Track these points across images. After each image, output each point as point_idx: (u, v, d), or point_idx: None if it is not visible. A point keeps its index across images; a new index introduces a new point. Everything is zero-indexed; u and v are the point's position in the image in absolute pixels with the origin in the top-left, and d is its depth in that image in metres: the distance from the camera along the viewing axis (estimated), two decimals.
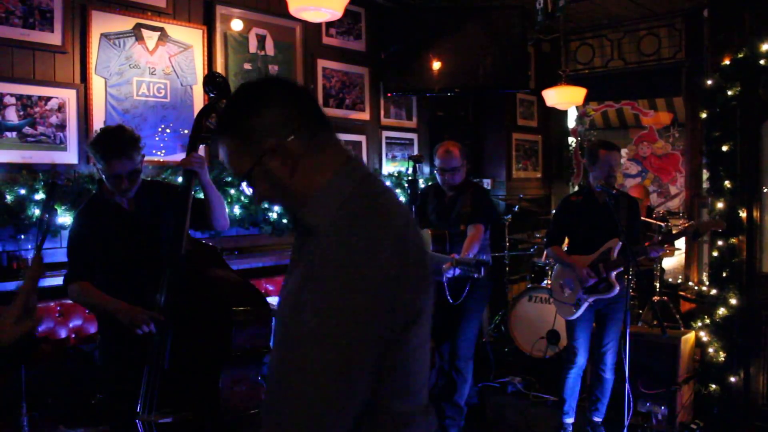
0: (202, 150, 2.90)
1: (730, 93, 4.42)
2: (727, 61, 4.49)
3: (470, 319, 4.09)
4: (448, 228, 4.17)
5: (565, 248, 4.26)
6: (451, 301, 3.88)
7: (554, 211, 4.45)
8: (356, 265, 1.14)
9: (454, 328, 4.09)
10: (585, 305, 3.99)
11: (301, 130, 1.29)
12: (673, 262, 6.50)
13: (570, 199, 4.32)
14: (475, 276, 3.68)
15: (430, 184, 4.81)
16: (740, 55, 4.41)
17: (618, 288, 3.86)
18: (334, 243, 1.18)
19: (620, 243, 3.86)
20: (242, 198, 4.59)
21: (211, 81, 2.80)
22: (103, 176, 2.76)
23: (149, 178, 2.92)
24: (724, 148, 4.46)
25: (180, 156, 4.36)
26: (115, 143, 2.71)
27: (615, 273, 3.88)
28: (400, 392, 1.24)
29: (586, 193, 4.16)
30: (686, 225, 3.96)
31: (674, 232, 4.31)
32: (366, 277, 1.14)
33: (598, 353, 4.09)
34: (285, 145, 1.28)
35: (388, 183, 5.73)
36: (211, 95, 2.81)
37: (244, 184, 1.36)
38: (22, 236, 3.69)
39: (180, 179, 3.75)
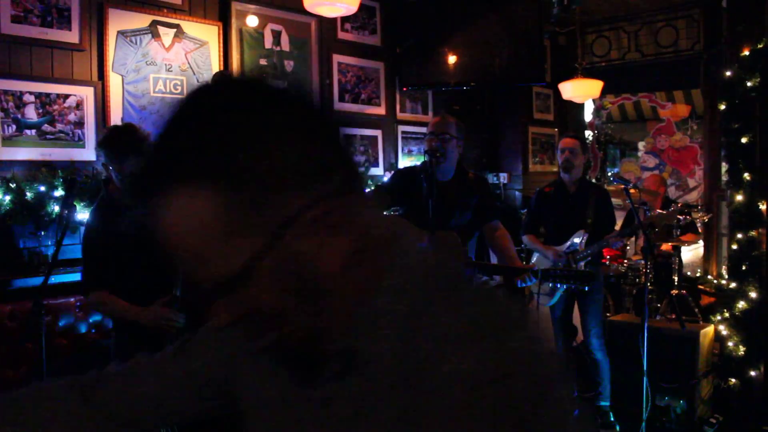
0: None
1: (749, 84, 4.37)
2: (746, 52, 4.44)
3: None
4: (449, 226, 3.44)
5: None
6: None
7: (531, 201, 4.59)
8: None
9: None
10: (559, 293, 4.13)
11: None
12: (691, 256, 6.45)
13: (543, 190, 4.47)
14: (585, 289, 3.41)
15: (406, 168, 4.09)
16: (760, 46, 4.36)
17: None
18: None
19: (586, 234, 4.06)
20: None
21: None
22: (114, 176, 2.75)
23: None
24: (743, 140, 4.41)
25: None
26: (129, 142, 2.71)
27: (583, 263, 4.01)
28: None
29: (558, 184, 4.36)
30: (644, 219, 4.02)
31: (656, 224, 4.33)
32: None
33: (584, 337, 4.24)
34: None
35: None
36: None
37: None
38: (42, 233, 3.73)
39: None
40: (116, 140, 2.73)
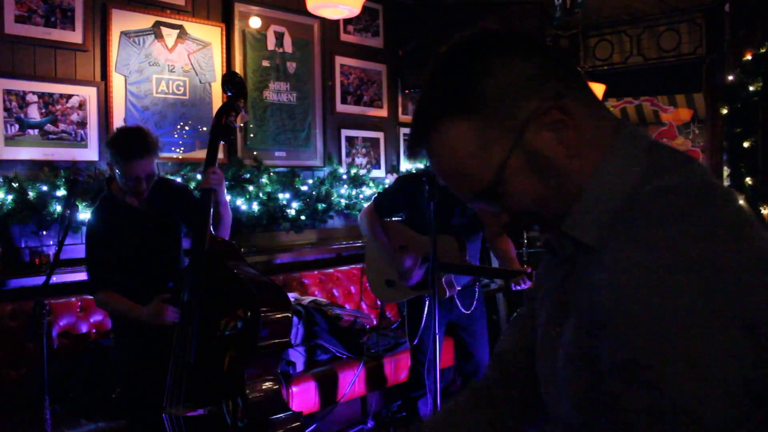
0: (219, 148, 2.90)
1: (751, 89, 4.38)
2: (748, 57, 4.45)
3: (485, 324, 3.92)
4: (457, 231, 3.46)
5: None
6: (464, 310, 3.58)
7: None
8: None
9: (474, 339, 3.73)
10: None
11: (571, 85, 0.88)
12: None
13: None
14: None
15: (412, 173, 4.09)
16: (762, 51, 4.36)
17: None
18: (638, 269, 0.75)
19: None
20: (260, 195, 4.62)
21: (230, 80, 2.82)
22: (119, 177, 2.75)
23: (158, 176, 2.93)
24: (746, 145, 4.42)
25: (198, 153, 4.40)
26: (137, 144, 2.71)
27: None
28: None
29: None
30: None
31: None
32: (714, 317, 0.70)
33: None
34: (563, 107, 0.85)
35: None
36: (229, 94, 2.82)
37: (475, 204, 0.91)
38: (44, 232, 3.74)
39: (195, 189, 3.77)
40: (125, 141, 2.73)
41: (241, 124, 2.89)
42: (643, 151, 0.87)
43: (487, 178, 0.86)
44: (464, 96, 0.85)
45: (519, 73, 0.85)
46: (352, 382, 3.98)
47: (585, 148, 0.87)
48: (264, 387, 2.61)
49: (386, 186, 4.98)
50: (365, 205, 5.38)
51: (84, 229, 3.23)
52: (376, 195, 3.85)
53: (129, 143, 2.71)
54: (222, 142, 2.94)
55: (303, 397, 3.76)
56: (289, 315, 2.72)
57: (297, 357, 3.93)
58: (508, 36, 0.89)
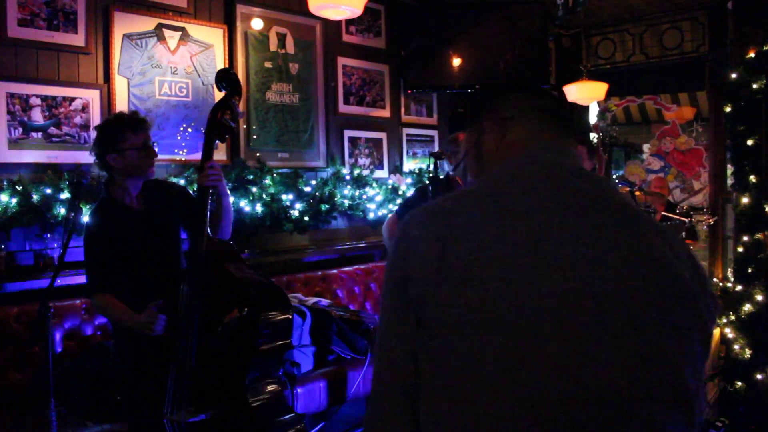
0: (222, 149, 2.90)
1: (755, 86, 4.36)
2: (752, 54, 4.42)
3: None
4: None
5: None
6: None
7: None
8: None
9: None
10: None
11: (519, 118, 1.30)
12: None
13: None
14: None
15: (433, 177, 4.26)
16: (765, 48, 4.34)
17: None
18: None
19: None
20: (264, 196, 4.62)
21: (225, 77, 2.81)
22: (134, 154, 2.75)
23: (156, 178, 2.94)
24: (749, 143, 4.40)
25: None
26: (136, 115, 2.84)
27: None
28: None
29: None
30: None
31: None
32: None
33: None
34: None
35: (408, 180, 5.75)
36: (224, 91, 2.82)
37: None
38: (48, 235, 3.74)
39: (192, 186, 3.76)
40: (127, 116, 2.84)
41: (235, 123, 2.87)
42: (497, 173, 1.22)
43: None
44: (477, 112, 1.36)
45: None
46: (357, 383, 3.98)
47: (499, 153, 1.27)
48: (266, 390, 2.60)
49: (407, 196, 5.00)
50: (368, 206, 5.37)
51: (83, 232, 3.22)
52: (398, 206, 3.87)
53: (131, 116, 2.83)
54: (222, 143, 2.93)
55: (309, 397, 3.76)
56: (290, 316, 2.70)
57: (301, 358, 3.93)
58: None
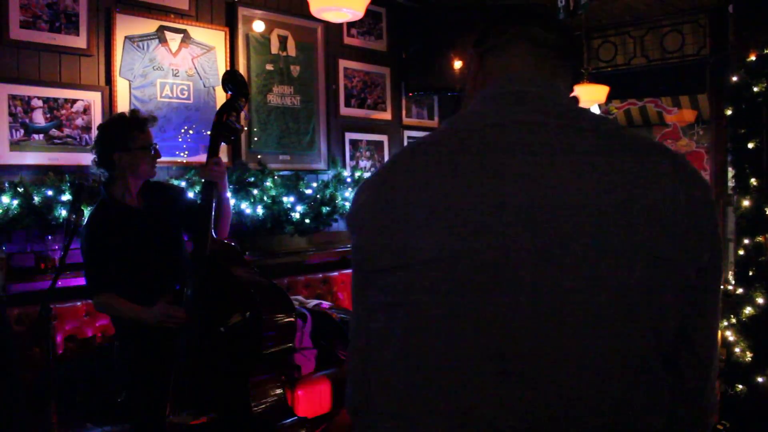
0: (223, 151, 2.90)
1: (756, 89, 4.36)
2: (753, 57, 4.43)
3: None
4: None
5: None
6: None
7: None
8: None
9: None
10: None
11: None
12: None
13: None
14: None
15: None
16: (766, 51, 4.34)
17: None
18: None
19: None
20: (265, 198, 4.62)
21: (231, 79, 2.82)
22: (141, 153, 2.79)
23: (153, 180, 2.95)
24: (750, 146, 4.40)
25: (203, 157, 4.39)
26: (140, 115, 2.85)
27: None
28: None
29: None
30: None
31: None
32: None
33: None
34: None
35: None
36: (230, 93, 2.82)
37: None
38: (49, 237, 3.74)
39: (198, 187, 3.77)
40: (130, 116, 2.86)
41: (243, 125, 2.89)
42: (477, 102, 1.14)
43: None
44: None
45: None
46: None
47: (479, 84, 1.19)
48: (269, 393, 2.60)
49: None
50: None
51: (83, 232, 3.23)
52: None
53: (135, 115, 2.85)
54: (225, 144, 2.93)
55: (310, 400, 3.76)
56: (293, 319, 2.70)
57: (302, 361, 3.93)
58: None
